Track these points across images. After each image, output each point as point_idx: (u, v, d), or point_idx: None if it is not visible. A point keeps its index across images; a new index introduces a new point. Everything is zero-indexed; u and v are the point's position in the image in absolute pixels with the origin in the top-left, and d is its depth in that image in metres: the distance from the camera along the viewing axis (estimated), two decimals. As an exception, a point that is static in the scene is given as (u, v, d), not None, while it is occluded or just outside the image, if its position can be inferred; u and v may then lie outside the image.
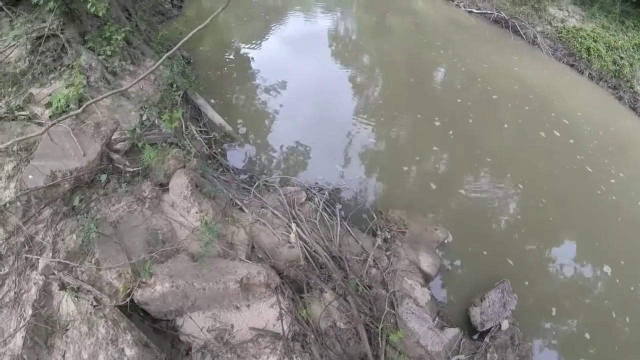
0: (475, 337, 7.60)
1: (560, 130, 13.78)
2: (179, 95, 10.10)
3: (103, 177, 6.62)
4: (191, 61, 13.38)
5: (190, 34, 7.27)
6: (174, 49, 7.40)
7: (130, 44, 10.58)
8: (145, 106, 8.89)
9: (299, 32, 18.60)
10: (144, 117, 8.54)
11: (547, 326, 8.30)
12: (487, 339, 7.41)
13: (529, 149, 12.58)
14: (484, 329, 7.56)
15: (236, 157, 10.33)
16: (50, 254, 5.60)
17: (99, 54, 9.32)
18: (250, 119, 11.59)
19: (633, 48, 20.67)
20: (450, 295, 8.35)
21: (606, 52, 20.81)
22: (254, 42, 16.39)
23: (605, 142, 14.42)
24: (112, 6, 10.64)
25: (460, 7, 26.89)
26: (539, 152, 12.53)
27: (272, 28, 18.35)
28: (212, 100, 11.73)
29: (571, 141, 13.56)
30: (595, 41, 21.21)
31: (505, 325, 7.60)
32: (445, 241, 9.03)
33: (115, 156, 7.10)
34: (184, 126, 9.37)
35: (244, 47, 15.78)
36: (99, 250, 5.72)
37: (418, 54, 17.93)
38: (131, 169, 7.14)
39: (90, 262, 5.64)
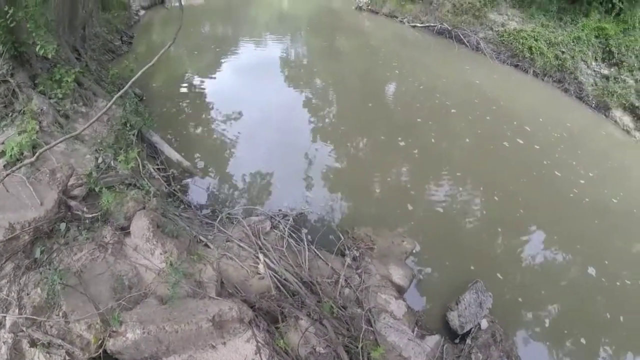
0: (457, 340, 7.73)
1: (523, 138, 14.26)
2: (134, 134, 10.02)
3: (62, 226, 6.51)
4: (144, 98, 13.34)
5: (139, 73, 7.27)
6: (124, 89, 7.37)
7: (82, 85, 10.51)
8: (100, 148, 8.80)
9: (251, 60, 18.88)
10: (100, 160, 8.44)
11: (527, 318, 8.52)
12: (468, 341, 7.56)
13: (496, 160, 12.97)
14: (464, 331, 7.70)
15: (197, 192, 10.28)
16: (17, 310, 5.45)
17: (50, 98, 9.24)
18: (208, 152, 11.61)
19: (573, 42, 21.85)
20: (426, 303, 8.51)
21: (547, 48, 22.12)
22: (206, 74, 16.55)
23: (568, 143, 15.04)
24: (61, 47, 10.57)
25: (404, 23, 27.88)
26: (506, 162, 12.92)
27: (224, 59, 18.57)
28: (169, 136, 11.70)
29: (536, 147, 14.03)
30: (536, 40, 22.50)
31: (484, 324, 7.78)
32: (414, 251, 9.21)
33: (73, 203, 7.00)
34: (141, 165, 9.28)
35: (196, 80, 15.91)
36: (65, 302, 5.63)
37: (372, 74, 18.50)
38: (90, 215, 7.04)
39: (58, 315, 5.54)
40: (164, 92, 14.44)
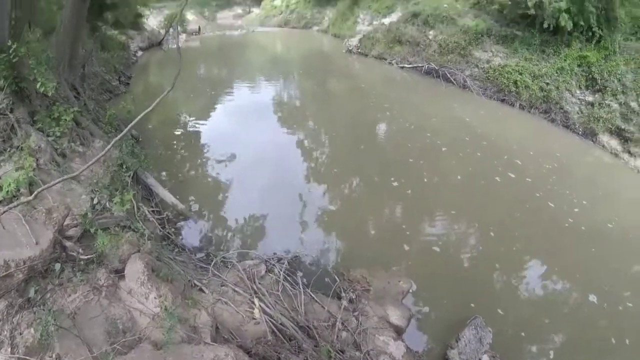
0: (459, 378, 7.61)
1: (514, 172, 14.49)
2: (129, 176, 10.01)
3: (57, 266, 6.41)
4: (140, 139, 13.40)
5: (137, 118, 7.32)
6: (122, 133, 7.42)
7: (79, 124, 10.56)
8: (96, 189, 8.75)
9: (245, 103, 19.20)
10: (95, 201, 8.39)
11: (531, 351, 8.39)
12: (471, 378, 7.44)
13: (489, 195, 13.07)
14: (467, 368, 7.60)
15: (191, 235, 10.20)
16: (9, 349, 5.30)
17: (48, 135, 9.26)
18: (202, 194, 11.60)
19: (556, 72, 22.60)
20: (426, 343, 8.38)
21: (532, 81, 22.93)
22: (201, 116, 16.77)
23: (559, 173, 15.32)
24: (61, 85, 10.62)
25: (393, 64, 28.63)
26: (499, 197, 13.03)
27: (219, 101, 18.85)
28: (163, 178, 11.71)
29: (528, 180, 14.23)
30: (520, 74, 23.30)
31: (485, 359, 7.66)
32: (411, 290, 9.11)
33: (68, 243, 6.91)
34: (135, 207, 9.23)
35: (192, 122, 16.07)
36: (58, 344, 5.50)
37: (364, 115, 18.81)
38: (85, 257, 6.94)
39: (51, 357, 5.41)
40: (159, 133, 14.54)
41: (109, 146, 7.17)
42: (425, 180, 13.37)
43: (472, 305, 8.79)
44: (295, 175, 13.14)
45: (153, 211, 9.97)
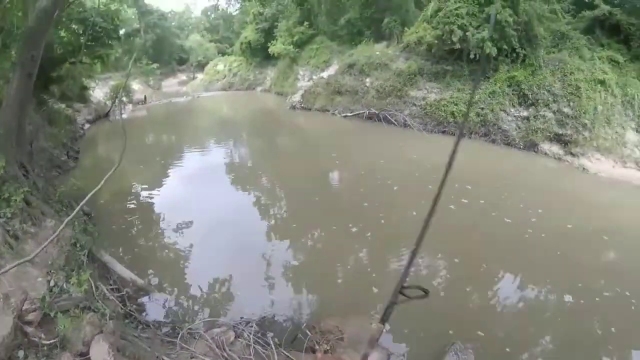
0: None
1: (467, 197, 14.74)
2: (84, 255, 9.78)
3: (21, 354, 6.19)
4: (92, 216, 13.09)
5: (87, 197, 7.33)
6: (74, 212, 7.38)
7: (30, 203, 10.29)
8: (52, 271, 8.55)
9: (197, 168, 19.15)
10: (52, 283, 8.18)
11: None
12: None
13: (446, 224, 12.79)
14: (453, 395, 7.54)
15: (155, 309, 9.77)
16: None
17: None
18: (162, 266, 11.20)
19: (489, 96, 24.12)
20: (409, 380, 8.26)
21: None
22: (154, 186, 16.52)
23: (509, 189, 15.93)
24: (9, 164, 10.42)
25: (336, 115, 29.61)
26: (456, 224, 13.06)
27: (171, 169, 18.75)
28: (121, 254, 11.34)
29: (481, 202, 14.62)
30: (455, 104, 24.78)
31: None
32: (385, 331, 8.91)
33: (29, 329, 6.69)
34: (94, 287, 9.00)
35: (144, 193, 15.80)
36: None
37: (315, 167, 19.12)
38: (47, 342, 6.71)
39: None
40: (112, 208, 14.22)
41: (61, 226, 7.11)
42: (383, 221, 13.37)
43: (451, 332, 8.63)
44: (256, 235, 12.83)
45: (112, 289, 9.68)
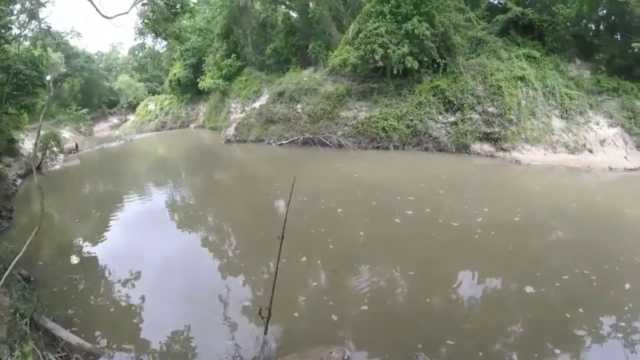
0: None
1: (411, 208, 14.82)
2: (26, 324, 9.20)
3: None
4: (32, 279, 12.24)
5: (9, 269, 7.01)
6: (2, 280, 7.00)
7: None
8: (-7, 347, 8.03)
9: (138, 214, 18.25)
10: (-5, 359, 7.69)
11: None
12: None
13: (394, 239, 12.96)
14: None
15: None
16: None
17: None
18: (113, 324, 10.19)
19: (416, 108, 25.09)
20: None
21: (398, 122, 25.18)
22: (95, 239, 15.55)
23: (452, 193, 16.32)
24: None
25: (272, 144, 29.70)
26: (405, 237, 13.02)
27: (111, 218, 17.76)
28: (69, 316, 10.45)
29: (427, 210, 14.69)
30: (385, 119, 25.46)
31: None
32: (346, 357, 8.30)
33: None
34: (41, 357, 8.53)
35: (86, 248, 14.82)
36: None
37: (257, 199, 18.76)
38: None
39: None
40: (53, 268, 13.13)
41: None
42: (331, 246, 12.97)
43: (420, 346, 8.24)
44: (207, 276, 11.93)
45: (60, 357, 9.20)
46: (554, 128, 22.75)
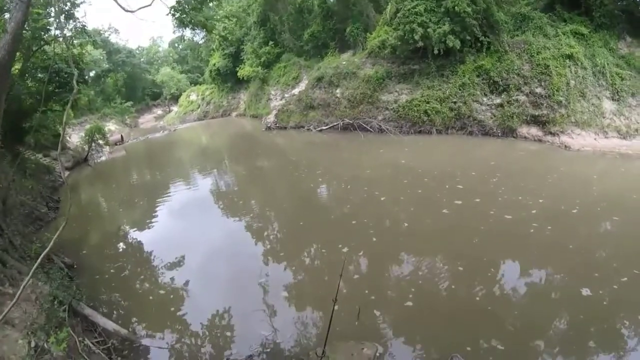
0: None
1: (460, 198, 13.93)
2: (64, 310, 9.21)
3: None
4: (75, 266, 12.39)
5: (39, 260, 6.85)
6: (28, 278, 6.90)
7: (5, 263, 9.72)
8: (31, 331, 8.03)
9: (184, 201, 18.31)
10: (33, 344, 7.66)
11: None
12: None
13: (442, 230, 12.21)
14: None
15: (144, 358, 9.12)
16: None
17: None
18: (151, 312, 10.16)
19: (459, 89, 23.81)
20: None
21: (440, 105, 24.00)
22: (142, 225, 15.70)
23: (504, 181, 15.30)
24: None
25: (312, 130, 29.22)
26: (453, 228, 12.20)
27: (158, 205, 17.90)
28: (105, 304, 10.54)
29: (477, 200, 13.68)
30: (427, 102, 24.37)
31: None
32: (377, 354, 7.76)
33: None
34: (77, 342, 8.46)
35: (133, 234, 14.94)
36: None
37: (300, 186, 18.39)
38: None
39: None
40: (97, 255, 13.26)
41: (21, 287, 6.64)
42: (374, 239, 12.17)
43: (469, 349, 7.53)
44: (251, 263, 11.65)
45: (97, 342, 9.12)
46: (605, 111, 21.00)
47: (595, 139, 20.17)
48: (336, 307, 8.09)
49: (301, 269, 11.43)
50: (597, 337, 7.56)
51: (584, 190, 14.37)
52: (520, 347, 7.54)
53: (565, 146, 19.77)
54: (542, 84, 21.66)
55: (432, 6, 24.22)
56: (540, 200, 13.17)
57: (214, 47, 53.46)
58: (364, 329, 8.49)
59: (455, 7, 22.98)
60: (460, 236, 11.71)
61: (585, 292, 8.71)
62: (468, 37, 23.71)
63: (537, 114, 21.54)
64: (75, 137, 34.35)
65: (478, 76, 23.60)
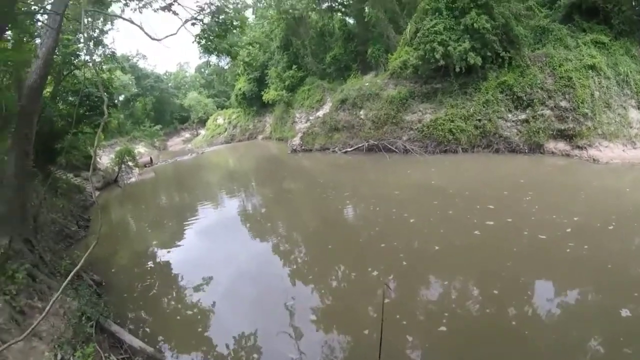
0: None
1: (491, 218, 13.51)
2: (91, 326, 9.30)
3: None
4: (103, 284, 12.48)
5: (73, 271, 6.91)
6: (63, 285, 6.97)
7: (35, 278, 9.89)
8: (58, 345, 8.09)
9: (212, 222, 18.40)
10: (59, 357, 7.72)
11: None
12: None
13: (474, 253, 11.76)
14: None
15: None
16: None
17: (4, 294, 8.58)
18: (177, 331, 10.06)
19: (483, 106, 23.50)
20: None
21: (465, 123, 23.72)
22: (171, 245, 15.78)
23: (535, 199, 14.77)
24: (14, 240, 10.13)
25: (337, 152, 29.24)
26: (486, 250, 11.78)
27: (186, 226, 18.05)
28: (133, 322, 10.52)
29: (509, 220, 13.25)
30: (452, 121, 24.13)
31: None
32: None
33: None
34: (102, 357, 8.49)
35: (161, 253, 15.02)
36: None
37: (327, 209, 18.18)
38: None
39: None
40: (126, 274, 13.32)
41: (52, 299, 6.70)
42: (404, 262, 11.74)
43: None
44: (278, 285, 11.57)
45: (123, 359, 9.19)
46: (632, 120, 20.59)
47: (623, 150, 19.70)
48: (374, 335, 8.05)
49: (328, 292, 11.21)
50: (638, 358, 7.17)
51: (617, 204, 13.86)
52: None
53: (594, 159, 19.30)
54: (566, 96, 21.29)
55: (452, 24, 24.21)
56: (575, 218, 12.71)
57: (239, 72, 54.55)
58: (397, 355, 8.19)
59: (474, 24, 22.93)
60: (493, 258, 11.31)
61: (625, 313, 8.27)
62: (489, 54, 23.52)
63: (563, 127, 21.10)
64: (105, 159, 35.22)
65: (501, 92, 23.31)
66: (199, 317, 10.71)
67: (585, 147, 20.19)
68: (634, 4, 23.58)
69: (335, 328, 9.53)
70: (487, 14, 23.22)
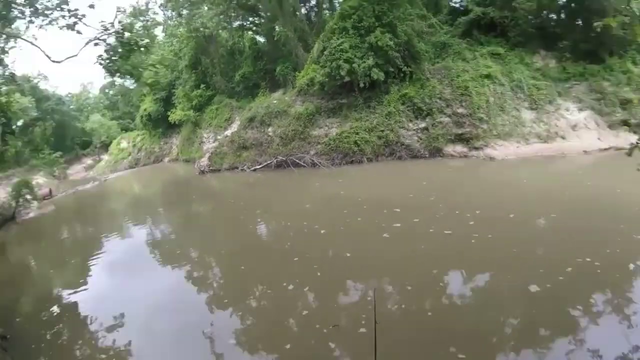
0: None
1: (398, 220, 13.77)
2: None
3: None
4: (8, 337, 10.85)
5: None
6: None
7: None
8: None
9: (119, 255, 16.66)
10: None
11: None
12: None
13: (385, 253, 11.83)
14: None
15: None
16: None
17: None
18: None
19: (386, 118, 24.73)
20: None
21: (369, 135, 24.93)
22: (76, 285, 14.11)
23: (437, 197, 15.47)
24: None
25: (245, 170, 28.70)
26: (398, 253, 11.78)
27: (92, 263, 16.26)
28: None
29: (415, 220, 13.52)
30: (356, 133, 24.94)
31: None
32: None
33: None
34: None
35: (67, 296, 13.37)
36: None
37: (239, 229, 17.46)
38: None
39: None
40: (32, 321, 11.69)
41: None
42: (319, 273, 11.50)
43: None
44: (196, 315, 10.70)
45: None
46: (525, 120, 22.95)
47: (517, 147, 21.96)
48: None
49: (247, 313, 10.51)
50: (549, 325, 7.57)
51: (516, 195, 14.91)
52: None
53: (490, 158, 21.20)
54: (463, 104, 23.11)
55: (357, 42, 25.02)
56: (477, 212, 13.23)
57: (145, 92, 51.98)
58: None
59: (378, 42, 23.97)
60: (403, 257, 11.40)
61: (534, 288, 8.69)
62: (391, 69, 24.66)
63: (460, 132, 22.89)
64: (1, 192, 31.83)
65: (403, 104, 24.54)
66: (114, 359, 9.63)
67: (481, 148, 22.07)
68: (529, 17, 26.45)
69: (259, 347, 8.96)
70: (391, 32, 24.41)
